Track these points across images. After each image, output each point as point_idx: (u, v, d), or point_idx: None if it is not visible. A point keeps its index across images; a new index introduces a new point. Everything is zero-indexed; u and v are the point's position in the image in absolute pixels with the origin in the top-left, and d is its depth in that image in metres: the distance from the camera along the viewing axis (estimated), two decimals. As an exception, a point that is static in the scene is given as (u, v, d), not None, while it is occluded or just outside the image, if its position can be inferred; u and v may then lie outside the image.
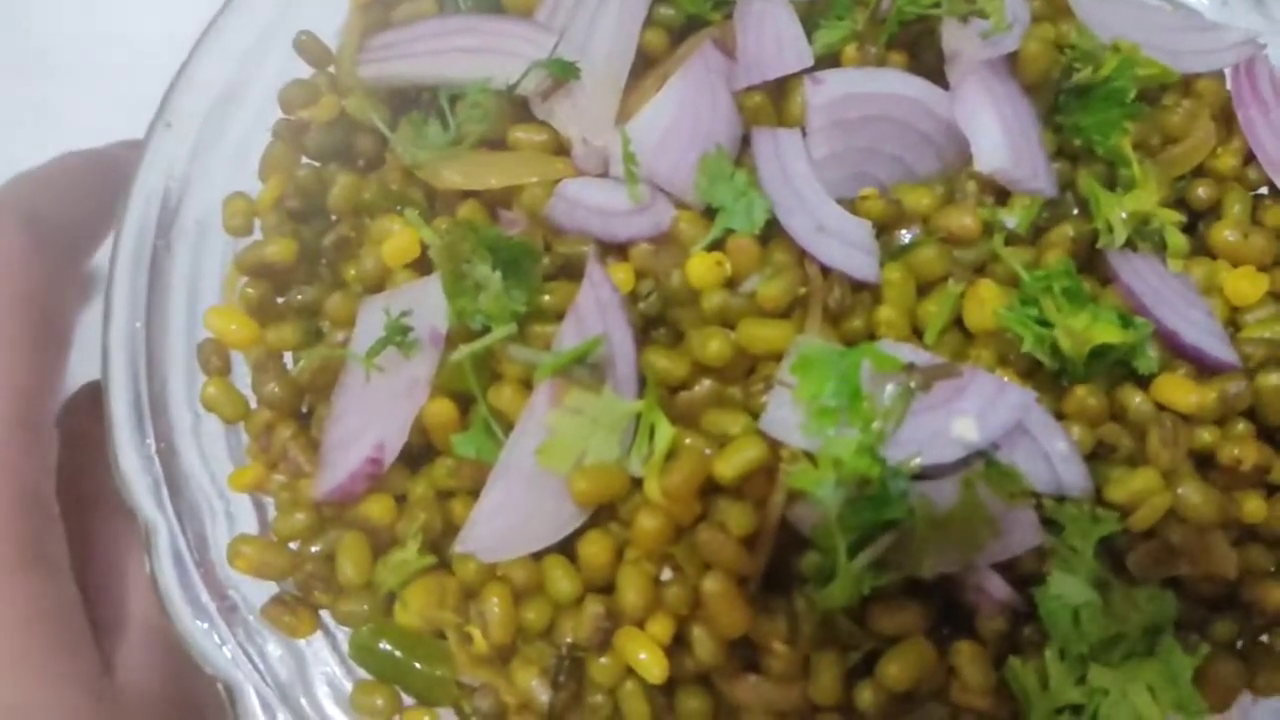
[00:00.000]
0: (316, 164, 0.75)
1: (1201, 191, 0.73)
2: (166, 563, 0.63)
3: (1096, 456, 0.63)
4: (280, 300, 0.71)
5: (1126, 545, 0.62)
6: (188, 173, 0.73)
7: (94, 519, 0.71)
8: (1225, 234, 0.71)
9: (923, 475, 0.58)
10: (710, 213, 0.66)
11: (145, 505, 0.64)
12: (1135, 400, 0.64)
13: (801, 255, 0.65)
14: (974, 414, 0.59)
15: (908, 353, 0.61)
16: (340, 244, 0.71)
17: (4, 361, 0.65)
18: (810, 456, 0.59)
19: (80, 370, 0.73)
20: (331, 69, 0.77)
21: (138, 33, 0.96)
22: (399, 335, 0.62)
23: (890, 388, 0.59)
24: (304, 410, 0.69)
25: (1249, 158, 0.75)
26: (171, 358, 0.69)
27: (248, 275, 0.70)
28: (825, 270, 0.65)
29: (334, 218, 0.73)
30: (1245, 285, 0.69)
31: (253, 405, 0.69)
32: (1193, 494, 0.62)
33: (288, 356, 0.70)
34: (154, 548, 0.63)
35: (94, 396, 0.73)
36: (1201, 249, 0.72)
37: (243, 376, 0.70)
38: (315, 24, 0.78)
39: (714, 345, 0.62)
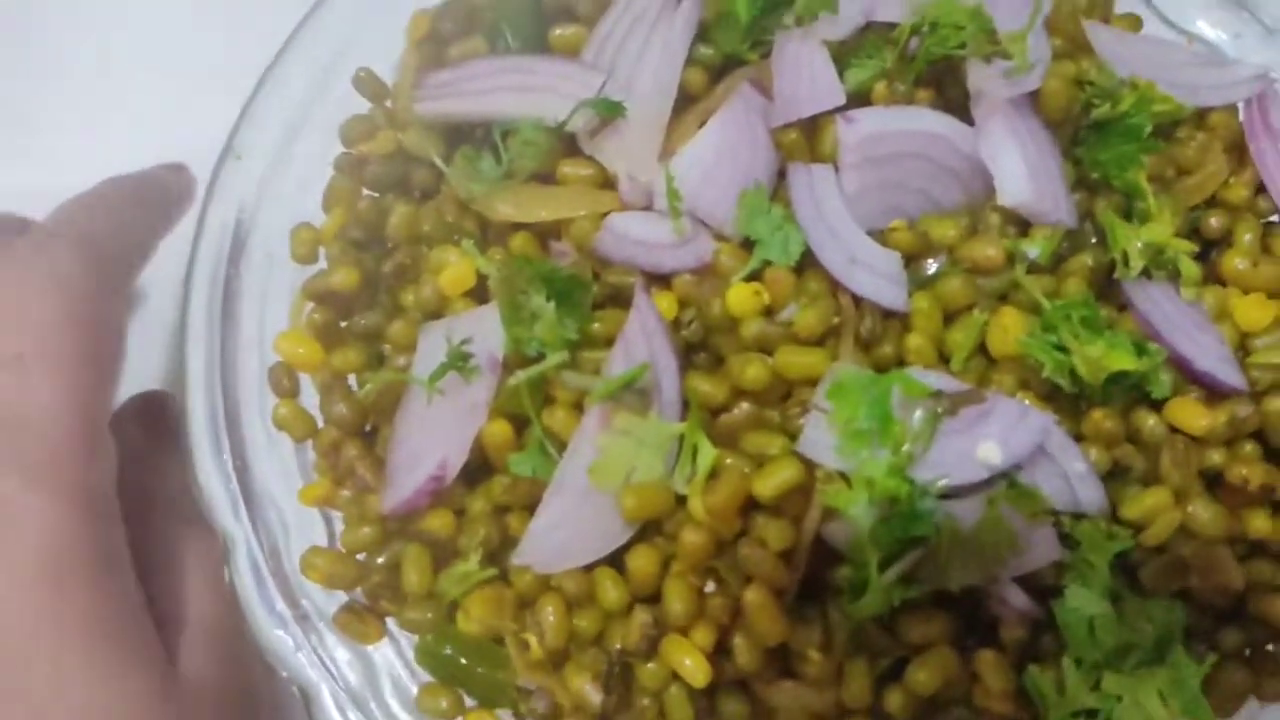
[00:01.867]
0: (375, 195, 0.80)
1: (1214, 221, 0.76)
2: (245, 573, 0.68)
3: (1112, 476, 0.67)
4: (344, 325, 0.76)
5: (1140, 559, 0.66)
6: (256, 203, 0.78)
7: (151, 521, 0.74)
8: (1236, 262, 0.74)
9: (949, 494, 0.63)
10: (749, 245, 0.70)
11: (224, 519, 0.69)
12: (1149, 422, 0.68)
13: (835, 285, 0.69)
14: (997, 438, 0.63)
15: (935, 379, 0.65)
16: (399, 271, 0.76)
17: (64, 379, 0.68)
18: (844, 477, 0.63)
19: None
20: (389, 104, 0.82)
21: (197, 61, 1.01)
22: (460, 361, 0.67)
23: (919, 413, 0.63)
24: (367, 429, 0.73)
25: (1260, 188, 0.78)
26: (244, 380, 0.74)
27: (314, 302, 0.75)
28: (857, 300, 0.69)
29: (392, 246, 0.77)
30: (1255, 312, 0.72)
31: (320, 424, 0.73)
32: (1202, 511, 0.66)
33: (352, 378, 0.74)
34: (233, 559, 0.68)
35: (143, 406, 0.80)
36: (1214, 276, 0.75)
37: (310, 397, 0.75)
38: (372, 59, 0.83)
39: (752, 370, 0.66)
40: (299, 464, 0.75)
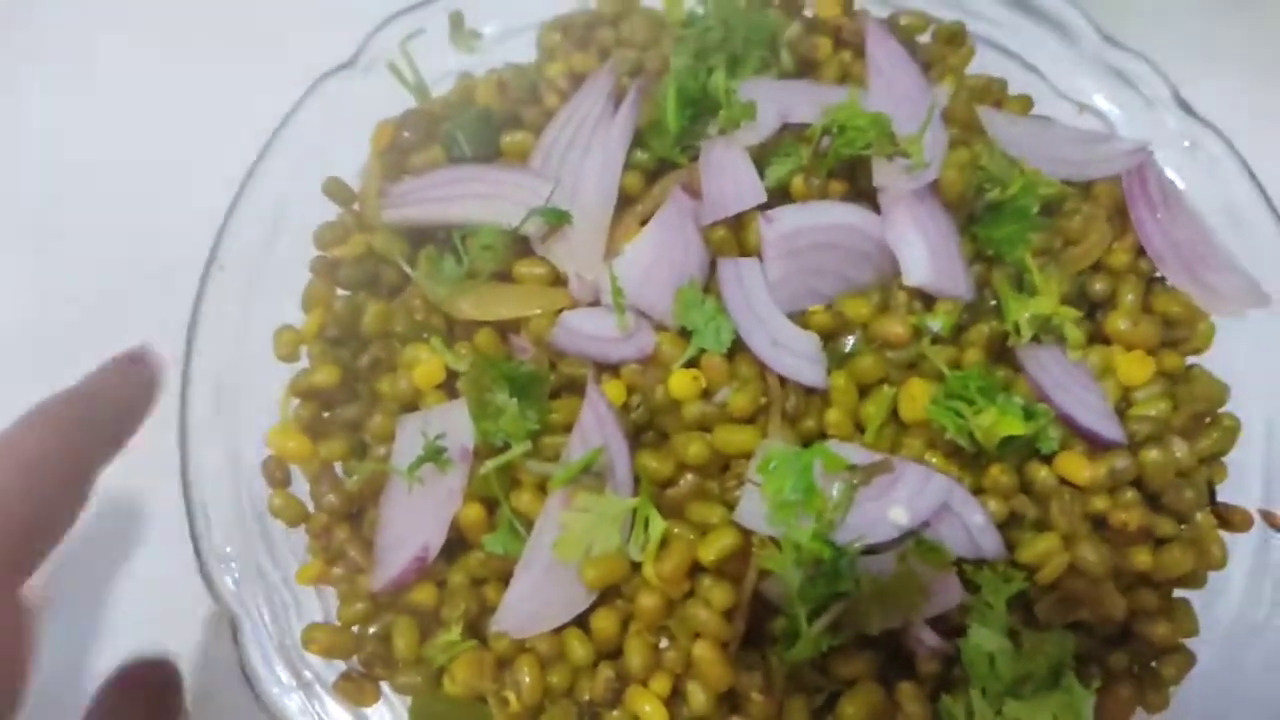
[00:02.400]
0: (349, 293, 0.88)
1: (1098, 285, 0.86)
2: (251, 648, 0.77)
3: (1009, 524, 0.77)
4: (327, 415, 0.84)
5: (1035, 596, 0.76)
6: (242, 308, 0.86)
7: None
8: (1119, 323, 0.84)
9: (866, 552, 0.72)
10: (686, 334, 0.79)
11: (230, 601, 0.77)
12: (1041, 474, 0.78)
13: (762, 367, 0.79)
14: (905, 502, 0.73)
15: (852, 452, 0.75)
16: (374, 365, 0.84)
17: None
18: (776, 542, 0.72)
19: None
20: (355, 207, 0.90)
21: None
22: (436, 454, 0.76)
23: (838, 484, 0.73)
24: (354, 513, 0.82)
25: (1140, 251, 0.88)
26: (242, 475, 0.82)
27: (300, 398, 0.83)
28: (782, 379, 0.78)
29: (367, 341, 0.86)
30: (1135, 368, 0.82)
31: (311, 510, 0.82)
32: (1088, 552, 0.75)
33: (338, 465, 0.83)
34: (241, 635, 0.77)
35: (143, 678, 0.67)
36: (1099, 335, 0.85)
37: (299, 483, 0.83)
38: (339, 168, 0.91)
39: (694, 448, 0.76)
40: (290, 546, 0.83)
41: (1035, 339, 0.82)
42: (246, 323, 0.87)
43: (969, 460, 0.78)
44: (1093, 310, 0.87)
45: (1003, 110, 0.93)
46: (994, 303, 0.84)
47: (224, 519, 0.80)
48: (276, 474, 0.82)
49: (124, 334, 0.90)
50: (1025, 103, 0.95)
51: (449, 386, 0.82)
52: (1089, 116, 0.98)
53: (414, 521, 0.76)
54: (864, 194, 0.85)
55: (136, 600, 0.93)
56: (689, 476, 0.77)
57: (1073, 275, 0.86)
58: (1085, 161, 0.91)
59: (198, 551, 0.78)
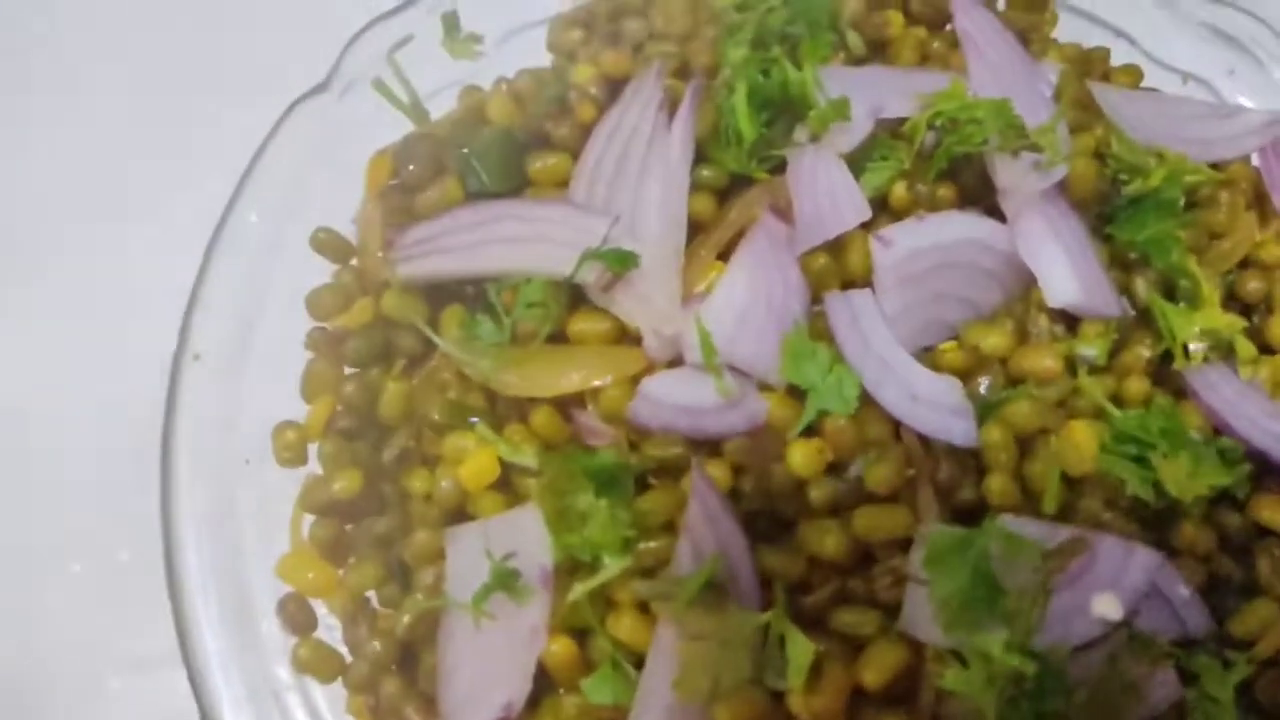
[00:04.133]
0: (358, 370, 0.71)
1: (1252, 285, 0.73)
2: None
3: (1209, 590, 0.64)
4: (350, 529, 0.67)
5: (1254, 675, 0.63)
6: (227, 406, 0.68)
7: None
8: (1285, 328, 0.71)
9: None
10: (798, 393, 0.64)
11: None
12: (1235, 522, 0.65)
13: (896, 426, 0.64)
14: (1110, 587, 0.58)
15: (1032, 528, 0.60)
16: (402, 459, 0.68)
17: None
18: (956, 654, 0.57)
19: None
20: (354, 262, 0.73)
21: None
22: (508, 581, 0.59)
23: (1024, 574, 0.58)
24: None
25: (1288, 240, 0.76)
26: (260, 615, 0.64)
27: (315, 514, 0.66)
28: (925, 441, 0.63)
29: (387, 429, 0.69)
30: (1313, 382, 0.70)
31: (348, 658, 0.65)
32: (1312, 617, 0.62)
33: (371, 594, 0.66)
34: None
35: None
36: (1260, 344, 0.72)
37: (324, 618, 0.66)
38: (324, 215, 0.74)
39: (831, 540, 0.61)
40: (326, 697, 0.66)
41: (1205, 358, 0.68)
42: (233, 420, 0.69)
43: (1150, 518, 0.64)
44: (1246, 315, 0.74)
45: (1113, 86, 0.79)
46: (1135, 315, 0.70)
47: (237, 688, 0.62)
48: (298, 616, 0.65)
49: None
50: (1135, 74, 0.81)
51: (504, 482, 0.65)
52: (1195, 87, 0.85)
53: (488, 669, 0.60)
54: (972, 198, 0.71)
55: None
56: (828, 580, 0.61)
57: (1221, 275, 0.73)
58: (1212, 140, 0.78)
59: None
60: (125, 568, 0.82)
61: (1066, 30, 0.86)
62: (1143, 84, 0.83)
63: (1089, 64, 0.80)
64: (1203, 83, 0.85)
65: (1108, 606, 0.58)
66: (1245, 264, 0.75)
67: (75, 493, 0.84)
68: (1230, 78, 0.85)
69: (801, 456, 0.62)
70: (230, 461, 0.68)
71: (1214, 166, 0.77)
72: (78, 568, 0.84)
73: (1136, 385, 0.67)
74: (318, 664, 0.63)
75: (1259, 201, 0.77)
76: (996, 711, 0.56)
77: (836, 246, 0.68)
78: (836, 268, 0.67)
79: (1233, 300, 0.74)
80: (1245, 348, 0.69)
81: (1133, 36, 0.87)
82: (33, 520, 0.84)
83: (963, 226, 0.68)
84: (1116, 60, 0.84)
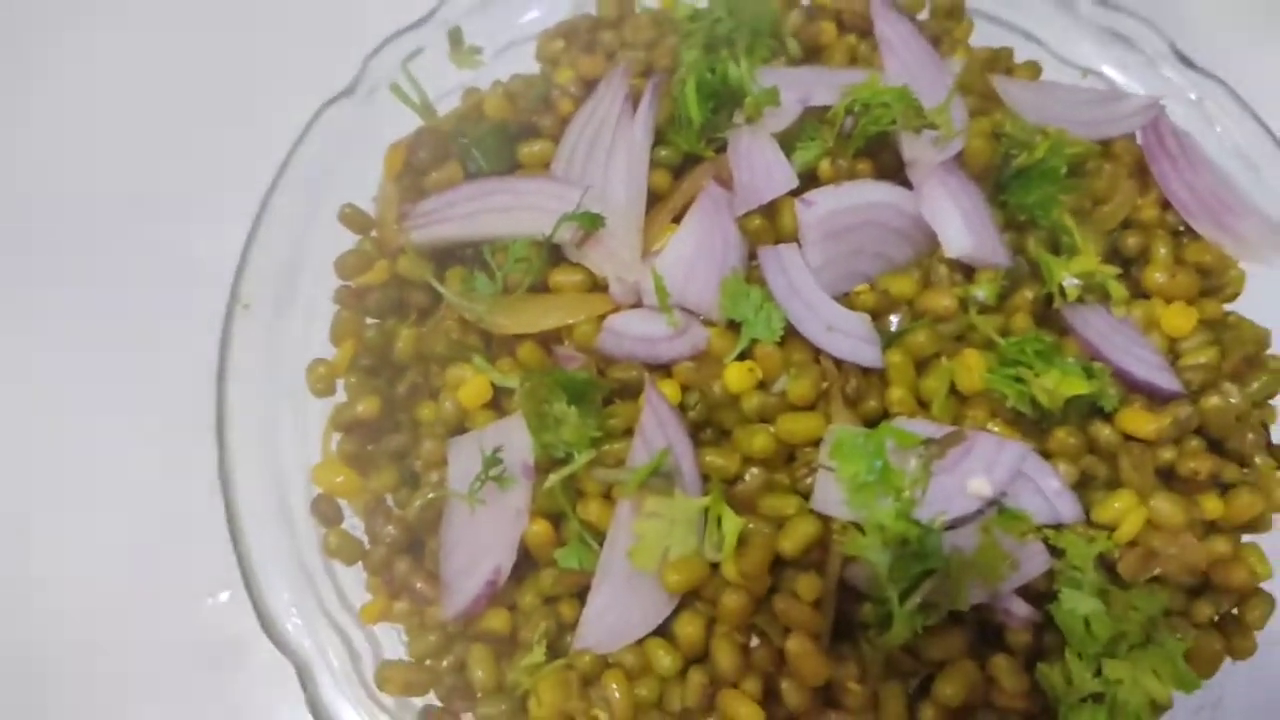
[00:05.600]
0: (376, 320, 0.85)
1: (1131, 241, 0.86)
2: (328, 691, 0.73)
3: (1080, 485, 0.76)
4: (371, 448, 0.81)
5: (1116, 555, 0.75)
6: (271, 348, 0.83)
7: None
8: (1156, 276, 0.84)
9: (949, 527, 0.71)
10: (735, 326, 0.78)
11: (301, 647, 0.74)
12: (1105, 432, 0.78)
13: (816, 352, 0.77)
14: (983, 472, 0.72)
15: (921, 427, 0.73)
16: (413, 391, 0.82)
17: None
18: (857, 526, 0.71)
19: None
20: (374, 234, 0.88)
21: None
22: (495, 471, 0.73)
23: (913, 460, 0.71)
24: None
25: (1165, 205, 0.89)
26: (298, 516, 0.79)
27: (342, 432, 0.80)
28: (838, 362, 0.77)
29: (402, 368, 0.83)
30: (1178, 319, 0.83)
31: (366, 546, 0.79)
32: (1164, 505, 0.75)
33: (389, 497, 0.80)
34: (313, 681, 0.73)
35: None
36: (1137, 291, 0.85)
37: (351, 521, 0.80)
38: (350, 196, 0.89)
39: (759, 440, 0.74)
40: (351, 582, 0.79)
41: (1080, 299, 0.81)
42: (276, 362, 0.83)
43: (1032, 426, 0.77)
44: (1126, 267, 0.87)
45: (1013, 78, 0.92)
46: (1029, 268, 0.83)
47: (279, 566, 0.76)
48: (328, 512, 0.79)
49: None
50: (1034, 69, 0.95)
51: (496, 404, 0.79)
52: (1093, 80, 0.99)
53: (480, 545, 0.74)
54: (888, 172, 0.85)
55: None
56: (755, 470, 0.75)
57: (1104, 233, 0.86)
58: (1100, 121, 0.91)
59: (254, 601, 0.74)
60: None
61: (986, 35, 1.00)
62: (1047, 77, 0.97)
63: (995, 61, 0.94)
64: (1100, 76, 0.99)
65: (979, 486, 0.71)
66: (1128, 224, 0.89)
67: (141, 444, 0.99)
68: (1123, 71, 0.98)
69: (736, 376, 0.76)
70: (274, 392, 0.82)
71: (1104, 144, 0.91)
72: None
73: (1021, 321, 0.80)
74: (343, 550, 0.78)
75: (1141, 172, 0.90)
76: (888, 570, 0.69)
77: (770, 210, 0.81)
78: (770, 227, 0.81)
79: (1116, 255, 0.87)
80: (1118, 290, 0.82)
81: (1041, 39, 1.01)
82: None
83: (874, 192, 0.82)
84: (1028, 58, 0.98)
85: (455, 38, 0.94)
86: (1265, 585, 0.79)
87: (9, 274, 1.08)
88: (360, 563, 0.78)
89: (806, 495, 0.73)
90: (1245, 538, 0.81)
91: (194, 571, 0.91)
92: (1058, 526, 0.74)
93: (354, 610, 0.77)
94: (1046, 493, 0.74)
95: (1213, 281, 0.87)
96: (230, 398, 0.80)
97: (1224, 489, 0.79)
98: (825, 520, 0.72)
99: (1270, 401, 0.85)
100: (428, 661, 0.75)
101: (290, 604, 0.75)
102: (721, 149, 0.84)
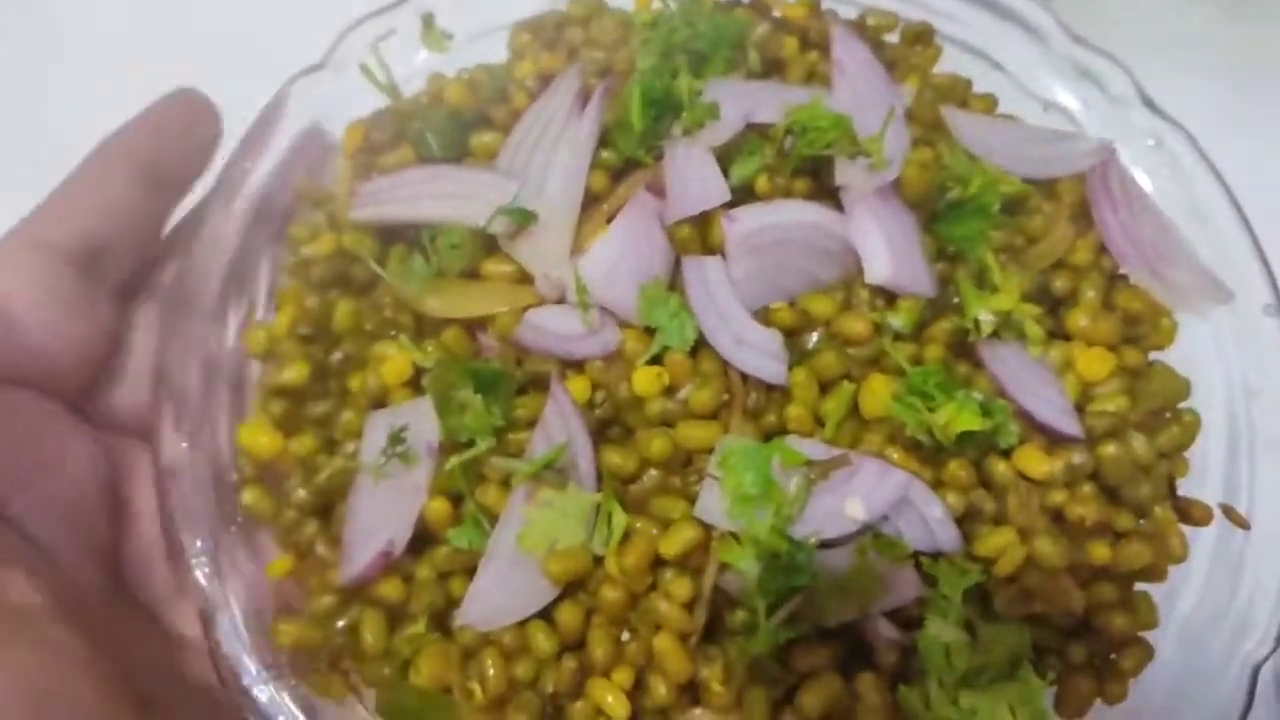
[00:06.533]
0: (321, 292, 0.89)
1: (1060, 283, 0.87)
2: (228, 637, 0.78)
3: (968, 518, 0.78)
4: (298, 412, 0.85)
5: (993, 589, 0.77)
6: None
7: None
8: (1080, 320, 0.85)
9: (824, 545, 0.73)
10: (650, 331, 0.80)
11: (209, 590, 0.79)
12: (999, 469, 0.79)
13: (725, 364, 0.80)
14: (862, 496, 0.74)
15: (810, 447, 0.76)
16: (345, 361, 0.86)
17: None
18: (735, 536, 0.73)
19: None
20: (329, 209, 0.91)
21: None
22: (400, 448, 0.77)
23: (795, 478, 0.74)
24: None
25: (1103, 248, 0.89)
26: (219, 474, 0.83)
27: (272, 395, 0.84)
28: (745, 376, 0.79)
29: (338, 338, 0.87)
30: (1095, 364, 0.83)
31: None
32: (1045, 546, 0.76)
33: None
34: (216, 625, 0.78)
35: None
36: (1062, 332, 0.86)
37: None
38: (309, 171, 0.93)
39: (657, 444, 0.77)
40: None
41: (997, 336, 0.83)
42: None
43: (929, 456, 0.79)
44: (1056, 307, 0.88)
45: (967, 109, 0.93)
46: (957, 300, 0.85)
47: (197, 514, 0.81)
48: (248, 470, 0.83)
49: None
50: (989, 102, 0.96)
51: (417, 384, 0.83)
52: (1055, 114, 0.99)
53: (380, 516, 0.78)
54: (829, 193, 0.86)
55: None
56: (652, 472, 0.78)
57: (1035, 273, 0.87)
58: (1050, 160, 0.92)
59: (168, 543, 0.79)
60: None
61: (953, 61, 1.01)
62: (1011, 110, 0.98)
63: (952, 90, 0.95)
64: (1062, 111, 0.99)
65: (855, 509, 0.73)
66: (1061, 265, 0.90)
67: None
68: (1086, 108, 0.98)
69: (644, 379, 0.78)
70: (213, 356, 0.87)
71: (1049, 183, 0.91)
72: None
73: (934, 351, 0.82)
74: (258, 506, 0.81)
75: (1084, 214, 0.91)
76: (757, 581, 0.72)
77: (701, 221, 0.83)
78: (699, 238, 0.83)
79: (1045, 295, 0.88)
80: (1034, 331, 0.83)
81: (1008, 70, 1.01)
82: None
83: (802, 211, 0.83)
84: (990, 88, 0.99)
85: (427, 20, 0.97)
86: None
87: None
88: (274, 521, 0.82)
89: (695, 502, 0.76)
90: (1142, 586, 0.83)
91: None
92: (937, 555, 0.76)
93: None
94: (929, 520, 0.76)
95: (1141, 329, 0.88)
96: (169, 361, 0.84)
97: (1119, 537, 0.81)
98: (707, 528, 0.74)
99: (1184, 454, 0.86)
100: (326, 622, 0.79)
101: (201, 553, 0.79)
102: (661, 157, 0.86)
